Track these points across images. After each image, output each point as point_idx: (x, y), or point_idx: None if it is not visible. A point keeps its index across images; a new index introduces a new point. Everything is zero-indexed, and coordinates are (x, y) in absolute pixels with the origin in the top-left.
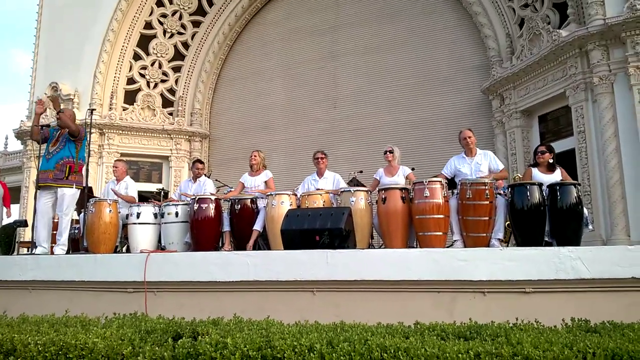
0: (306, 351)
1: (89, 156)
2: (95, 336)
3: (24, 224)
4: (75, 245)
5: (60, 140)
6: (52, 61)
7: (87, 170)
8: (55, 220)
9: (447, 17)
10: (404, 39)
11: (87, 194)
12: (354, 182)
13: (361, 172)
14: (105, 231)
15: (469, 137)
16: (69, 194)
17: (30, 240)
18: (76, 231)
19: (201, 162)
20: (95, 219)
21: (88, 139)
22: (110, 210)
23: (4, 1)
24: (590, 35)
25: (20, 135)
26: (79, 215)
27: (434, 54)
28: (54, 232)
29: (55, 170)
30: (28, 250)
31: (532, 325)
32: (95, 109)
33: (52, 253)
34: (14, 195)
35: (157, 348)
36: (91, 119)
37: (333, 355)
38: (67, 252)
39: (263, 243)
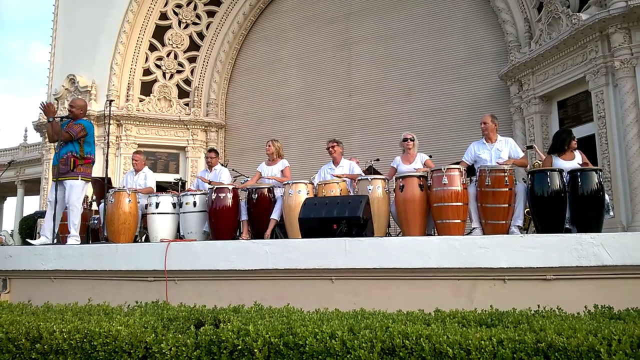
0: (328, 338)
1: (108, 147)
2: (119, 324)
3: (44, 215)
4: (95, 235)
5: None
6: (69, 53)
7: (106, 161)
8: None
9: (463, 2)
10: (420, 25)
11: (106, 184)
12: (370, 171)
13: (378, 160)
14: (125, 221)
15: (483, 124)
16: (75, 186)
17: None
18: (96, 221)
19: (213, 151)
20: (114, 209)
21: (106, 130)
22: (129, 201)
23: None
24: (611, 18)
25: (39, 127)
26: (98, 205)
27: (451, 40)
28: (65, 222)
29: (60, 165)
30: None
31: (554, 313)
32: (113, 100)
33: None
34: (34, 187)
35: (179, 335)
36: (110, 110)
37: (355, 342)
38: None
39: (280, 232)
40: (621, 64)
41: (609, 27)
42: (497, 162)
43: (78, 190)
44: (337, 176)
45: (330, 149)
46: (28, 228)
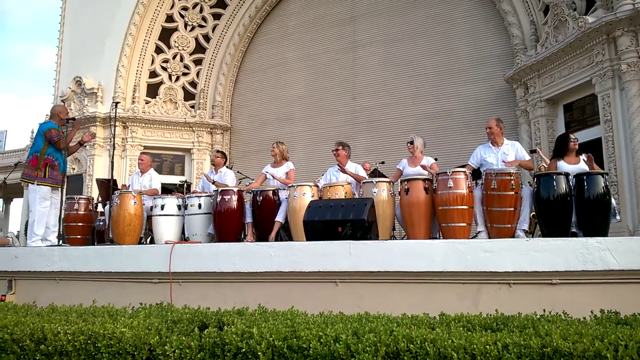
0: (332, 341)
1: (113, 149)
2: (123, 326)
3: None
4: (101, 236)
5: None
6: (75, 55)
7: (111, 162)
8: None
9: (469, 5)
10: (425, 28)
11: (112, 186)
12: (375, 173)
13: (382, 163)
14: (130, 223)
15: (488, 128)
16: None
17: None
18: (101, 223)
19: (219, 152)
20: (120, 211)
21: (112, 132)
22: (134, 202)
23: None
24: (618, 21)
25: None
26: (104, 207)
27: (457, 42)
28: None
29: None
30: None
31: (559, 317)
32: (119, 102)
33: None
34: None
35: (183, 338)
36: (116, 112)
37: (359, 346)
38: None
39: (285, 234)
40: (628, 67)
41: (616, 30)
42: (503, 161)
43: None
44: (342, 170)
45: (335, 152)
46: None
